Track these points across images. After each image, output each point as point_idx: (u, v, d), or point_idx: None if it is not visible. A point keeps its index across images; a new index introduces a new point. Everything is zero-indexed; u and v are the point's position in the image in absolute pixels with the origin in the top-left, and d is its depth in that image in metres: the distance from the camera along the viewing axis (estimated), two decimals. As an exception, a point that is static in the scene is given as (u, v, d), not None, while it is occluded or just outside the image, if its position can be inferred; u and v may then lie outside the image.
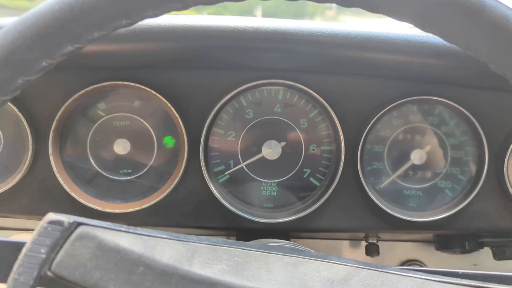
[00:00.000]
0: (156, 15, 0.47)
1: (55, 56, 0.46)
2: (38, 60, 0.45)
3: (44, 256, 0.44)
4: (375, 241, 1.14)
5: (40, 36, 0.44)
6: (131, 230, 0.49)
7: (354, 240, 1.27)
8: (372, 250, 1.14)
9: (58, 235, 0.45)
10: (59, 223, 0.45)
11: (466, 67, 0.90)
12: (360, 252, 1.26)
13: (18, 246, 0.47)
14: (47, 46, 0.45)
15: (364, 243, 1.16)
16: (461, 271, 0.55)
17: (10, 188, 0.96)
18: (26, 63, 0.45)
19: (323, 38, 0.86)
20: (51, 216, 0.45)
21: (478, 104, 0.98)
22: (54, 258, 0.44)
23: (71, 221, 0.45)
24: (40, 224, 0.45)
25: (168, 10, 0.47)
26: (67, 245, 0.45)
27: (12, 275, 0.43)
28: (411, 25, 0.50)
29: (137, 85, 0.94)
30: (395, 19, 0.50)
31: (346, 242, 1.28)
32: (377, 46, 0.87)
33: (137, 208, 0.97)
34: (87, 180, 1.00)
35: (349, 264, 0.51)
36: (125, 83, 0.94)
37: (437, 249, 1.22)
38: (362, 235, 1.15)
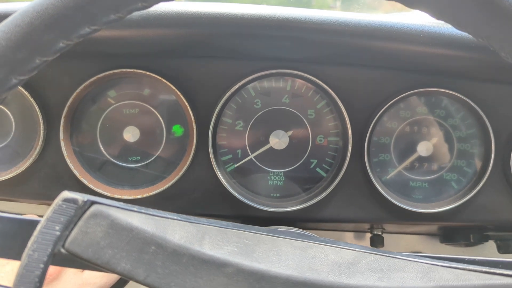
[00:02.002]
0: (171, -2, 0.48)
1: (72, 37, 0.47)
2: (55, 41, 0.46)
3: (58, 233, 0.45)
4: (380, 233, 1.14)
5: (57, 17, 0.45)
6: (143, 211, 0.50)
7: (359, 232, 1.28)
8: (377, 242, 1.14)
9: (72, 213, 0.45)
10: (73, 201, 0.46)
11: (476, 58, 0.90)
12: (364, 244, 1.26)
13: (33, 223, 0.48)
14: (64, 27, 0.45)
15: (369, 235, 1.17)
16: (467, 257, 0.56)
17: (20, 172, 0.97)
18: (43, 44, 0.46)
19: (333, 27, 0.86)
20: (66, 194, 0.46)
21: (485, 97, 0.99)
22: (68, 236, 0.45)
23: (85, 199, 0.46)
24: (55, 202, 0.45)
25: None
26: (80, 223, 0.45)
27: (26, 251, 0.43)
28: (422, 14, 0.51)
29: (148, 73, 0.95)
30: (407, 6, 0.50)
31: (351, 234, 1.29)
32: (386, 35, 0.87)
33: (145, 195, 0.98)
34: (97, 167, 1.01)
35: (357, 249, 0.52)
36: (135, 71, 0.95)
37: (442, 241, 1.23)
38: (367, 226, 1.16)
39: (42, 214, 0.46)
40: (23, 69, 0.46)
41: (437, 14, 0.49)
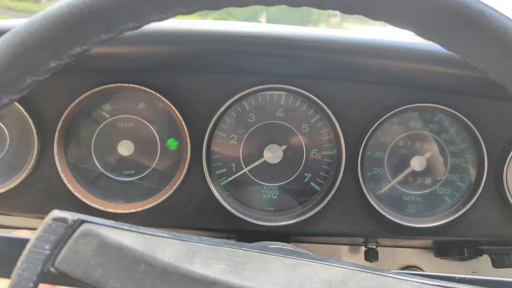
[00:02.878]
0: (162, 19, 0.48)
1: (63, 57, 0.47)
2: (47, 61, 0.46)
3: (48, 252, 0.44)
4: (374, 247, 1.14)
5: (49, 38, 0.45)
6: (133, 229, 0.49)
7: (354, 245, 1.28)
8: (371, 256, 1.14)
9: (62, 232, 0.45)
10: (63, 220, 0.46)
11: (466, 75, 0.90)
12: (359, 257, 1.26)
13: (23, 242, 0.48)
14: (55, 47, 0.46)
15: (363, 248, 1.17)
16: (457, 275, 0.56)
17: (14, 186, 0.97)
18: (34, 64, 0.46)
19: (326, 45, 0.87)
20: (56, 213, 0.46)
21: (478, 112, 0.99)
22: (57, 255, 0.45)
23: (75, 218, 0.46)
24: (45, 221, 0.45)
25: (174, 14, 0.48)
26: (70, 242, 0.45)
27: (16, 271, 0.43)
28: (413, 33, 0.51)
29: (142, 87, 0.95)
30: (396, 27, 0.51)
31: (346, 247, 1.29)
32: (379, 53, 0.88)
33: (139, 209, 0.98)
34: (91, 180, 1.01)
35: (347, 267, 0.52)
36: (130, 85, 0.95)
37: (436, 255, 1.23)
38: (361, 240, 1.16)
39: (36, 227, 0.46)
40: (14, 88, 0.47)
41: (425, 34, 0.50)
